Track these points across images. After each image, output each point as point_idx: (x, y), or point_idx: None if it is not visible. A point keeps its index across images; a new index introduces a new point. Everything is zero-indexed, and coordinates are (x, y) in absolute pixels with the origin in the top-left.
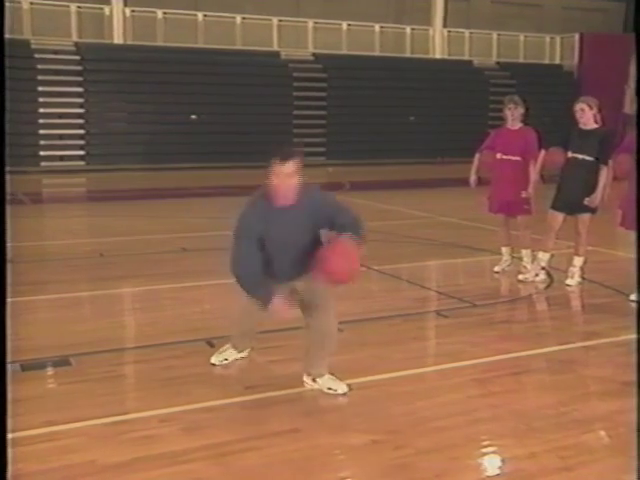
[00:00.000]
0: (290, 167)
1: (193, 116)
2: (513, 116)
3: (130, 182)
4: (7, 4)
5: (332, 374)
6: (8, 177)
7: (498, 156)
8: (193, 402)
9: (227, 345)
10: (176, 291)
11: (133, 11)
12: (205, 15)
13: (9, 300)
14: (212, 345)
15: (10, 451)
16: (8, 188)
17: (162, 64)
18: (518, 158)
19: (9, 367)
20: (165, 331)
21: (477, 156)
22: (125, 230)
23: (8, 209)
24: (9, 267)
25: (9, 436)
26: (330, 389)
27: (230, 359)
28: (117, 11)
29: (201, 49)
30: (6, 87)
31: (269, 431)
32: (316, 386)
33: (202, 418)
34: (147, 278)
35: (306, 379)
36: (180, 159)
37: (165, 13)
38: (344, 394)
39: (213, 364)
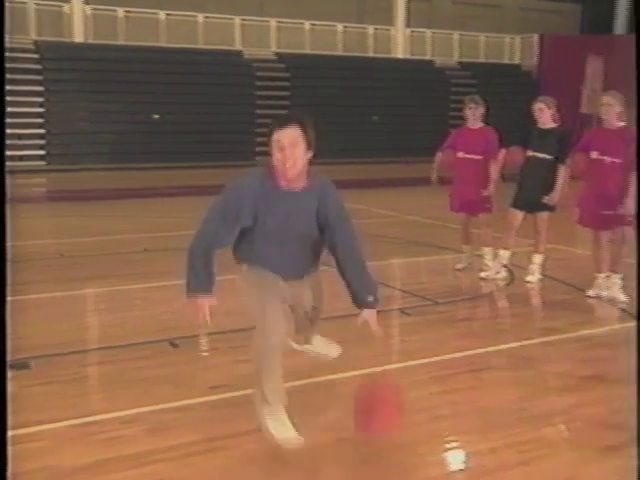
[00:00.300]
0: (293, 133)
1: (155, 116)
2: (474, 116)
3: (93, 182)
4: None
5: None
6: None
7: (459, 155)
8: (159, 402)
9: (265, 413)
10: (143, 291)
11: (94, 9)
12: (167, 14)
13: None
14: (175, 345)
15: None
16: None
17: (124, 63)
18: (479, 157)
19: None
20: (132, 332)
21: (438, 155)
22: (85, 231)
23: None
24: None
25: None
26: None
27: (284, 428)
28: (77, 9)
29: (163, 48)
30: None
31: (235, 431)
32: (309, 347)
33: (168, 419)
34: (112, 279)
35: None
36: (143, 159)
37: (127, 12)
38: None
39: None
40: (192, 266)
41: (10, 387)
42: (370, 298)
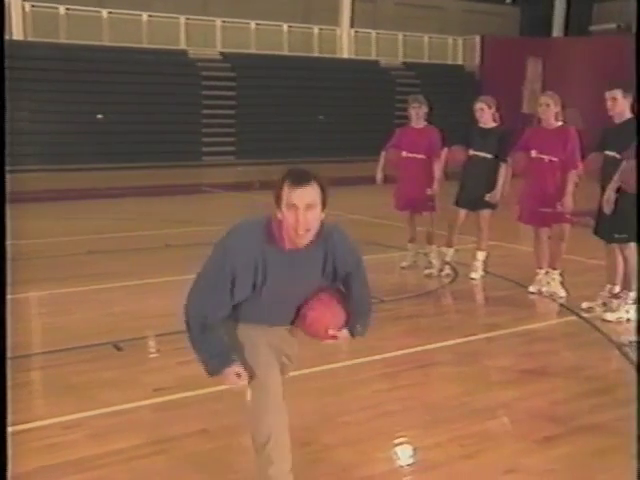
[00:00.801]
0: (311, 193)
1: (99, 115)
2: (417, 115)
3: (33, 183)
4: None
5: None
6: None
7: (403, 154)
8: (101, 407)
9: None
10: (82, 294)
11: (33, 6)
12: (110, 12)
13: None
14: (119, 349)
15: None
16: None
17: (66, 62)
18: (422, 156)
19: None
20: (71, 335)
21: (383, 154)
22: (30, 233)
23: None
24: None
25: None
26: None
27: None
28: (15, 5)
29: (107, 47)
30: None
31: (178, 433)
32: None
33: (110, 423)
34: (54, 281)
35: None
36: (86, 159)
37: (68, 9)
38: None
39: None
40: (200, 349)
41: None
42: (359, 328)
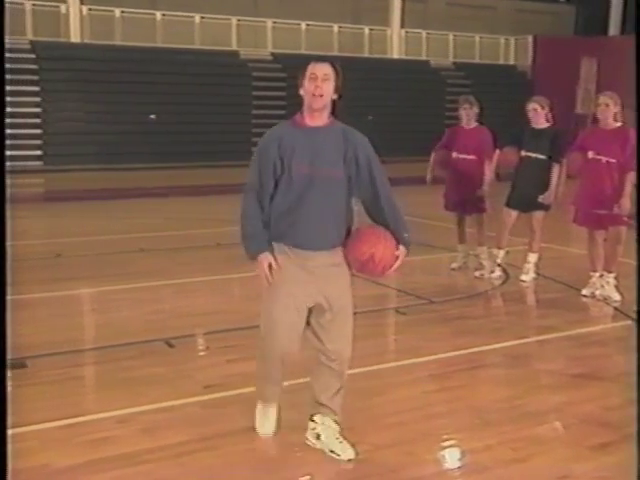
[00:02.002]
0: (327, 69)
1: (152, 116)
2: (468, 116)
3: (88, 182)
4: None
5: (339, 426)
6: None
7: (454, 155)
8: (151, 402)
9: (259, 407)
10: (134, 291)
11: (90, 9)
12: (163, 14)
13: None
14: (171, 345)
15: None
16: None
17: (120, 63)
18: (473, 157)
19: None
20: (122, 332)
21: (433, 155)
22: (83, 230)
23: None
24: None
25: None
26: (333, 452)
27: (267, 423)
28: (74, 9)
29: (160, 48)
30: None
31: (227, 430)
32: (318, 445)
33: (160, 418)
34: (105, 278)
35: (310, 435)
36: (138, 159)
37: (123, 12)
38: (348, 460)
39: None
40: (248, 231)
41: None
42: (406, 236)
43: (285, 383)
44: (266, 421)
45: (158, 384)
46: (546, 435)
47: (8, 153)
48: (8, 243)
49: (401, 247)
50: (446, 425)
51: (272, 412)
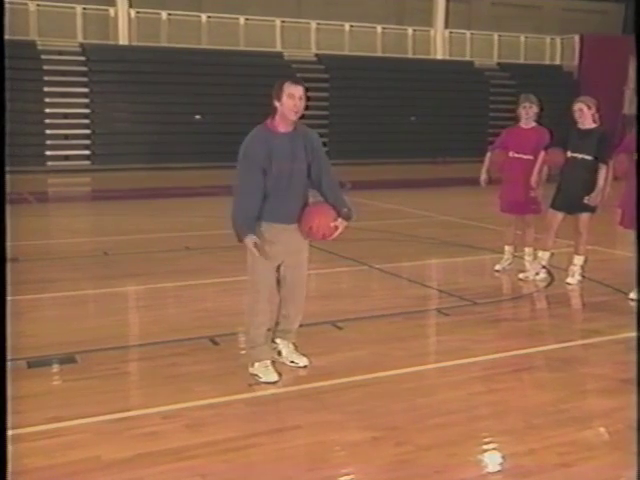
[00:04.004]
0: (303, 90)
1: (197, 116)
2: (527, 115)
3: (134, 182)
4: (13, 6)
5: (296, 347)
6: (15, 177)
7: (510, 154)
8: (197, 399)
9: (257, 365)
10: (180, 289)
11: (138, 12)
12: (209, 16)
13: (15, 298)
14: (216, 343)
15: (10, 448)
16: (9, 188)
17: (166, 64)
18: (529, 157)
19: (9, 365)
20: (169, 329)
21: (488, 155)
22: (129, 229)
23: (12, 208)
24: (15, 266)
25: (13, 432)
26: (293, 362)
27: (267, 371)
28: (122, 12)
29: (205, 50)
30: (5, 87)
31: (271, 428)
32: (280, 359)
33: (206, 415)
34: (151, 276)
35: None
36: (184, 159)
37: (169, 14)
38: (304, 367)
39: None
40: (240, 222)
41: (52, 382)
42: (345, 209)
43: (325, 383)
44: (268, 372)
45: (203, 381)
46: (593, 440)
47: (58, 153)
48: (58, 241)
49: (339, 219)
50: (490, 427)
51: (270, 364)
